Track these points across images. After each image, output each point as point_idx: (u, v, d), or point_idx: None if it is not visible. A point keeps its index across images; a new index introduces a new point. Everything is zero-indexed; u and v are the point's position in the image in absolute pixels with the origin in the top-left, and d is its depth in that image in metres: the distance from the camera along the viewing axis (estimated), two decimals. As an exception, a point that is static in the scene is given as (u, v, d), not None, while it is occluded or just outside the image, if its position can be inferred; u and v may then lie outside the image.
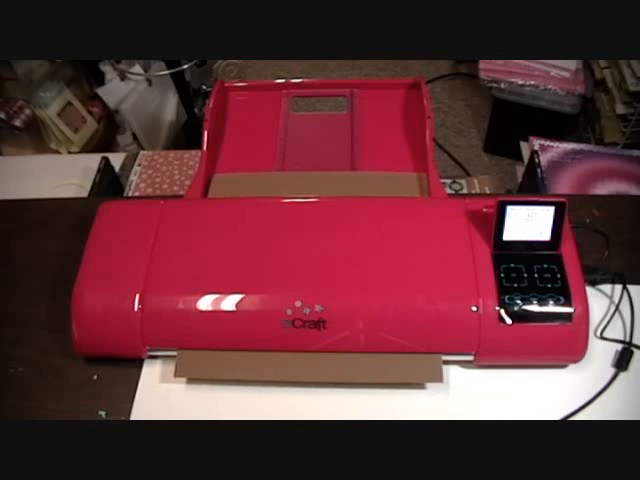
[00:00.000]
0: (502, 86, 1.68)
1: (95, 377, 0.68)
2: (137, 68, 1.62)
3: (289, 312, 0.63)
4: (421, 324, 0.63)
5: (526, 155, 1.42)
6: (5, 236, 0.82)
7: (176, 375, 0.64)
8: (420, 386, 0.65)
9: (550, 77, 1.65)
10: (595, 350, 0.67)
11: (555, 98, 1.65)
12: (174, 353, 0.65)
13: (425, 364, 0.63)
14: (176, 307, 0.64)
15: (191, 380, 0.66)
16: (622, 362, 0.65)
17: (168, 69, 1.62)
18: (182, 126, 1.78)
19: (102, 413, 0.65)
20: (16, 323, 0.73)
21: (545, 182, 1.16)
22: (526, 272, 0.64)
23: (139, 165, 1.25)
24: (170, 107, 1.73)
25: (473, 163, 1.86)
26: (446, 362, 0.65)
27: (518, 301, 0.62)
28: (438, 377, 0.63)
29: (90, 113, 1.63)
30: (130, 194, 1.19)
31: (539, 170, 1.17)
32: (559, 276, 0.64)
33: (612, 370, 0.66)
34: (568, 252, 0.65)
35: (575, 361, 0.65)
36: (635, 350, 0.66)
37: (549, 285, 0.63)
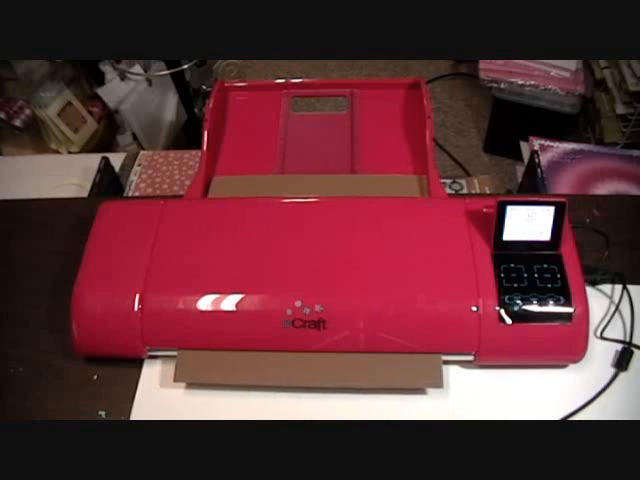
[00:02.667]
0: (502, 86, 1.68)
1: (95, 377, 0.68)
2: (137, 68, 1.62)
3: (289, 312, 0.63)
4: (421, 324, 0.63)
5: (526, 155, 1.42)
6: (5, 236, 0.82)
7: (175, 379, 0.64)
8: (421, 390, 0.65)
9: (550, 77, 1.65)
10: (595, 350, 0.67)
11: (555, 98, 1.65)
12: (174, 353, 0.65)
13: (426, 369, 0.63)
14: (176, 307, 0.64)
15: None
16: (622, 362, 0.65)
17: (168, 69, 1.63)
18: (182, 126, 1.78)
19: (102, 413, 0.65)
20: (16, 323, 0.73)
21: (545, 182, 1.16)
22: (526, 272, 0.64)
23: (139, 165, 1.25)
24: (170, 107, 1.73)
25: (473, 163, 1.86)
26: (446, 362, 0.65)
27: (518, 301, 0.62)
28: (439, 382, 0.63)
29: (90, 113, 1.63)
30: (130, 194, 1.19)
31: (539, 170, 1.17)
32: (559, 276, 0.64)
33: (612, 370, 0.66)
34: (568, 252, 0.65)
35: (575, 361, 0.65)
36: (635, 350, 0.66)
37: (549, 285, 0.63)
